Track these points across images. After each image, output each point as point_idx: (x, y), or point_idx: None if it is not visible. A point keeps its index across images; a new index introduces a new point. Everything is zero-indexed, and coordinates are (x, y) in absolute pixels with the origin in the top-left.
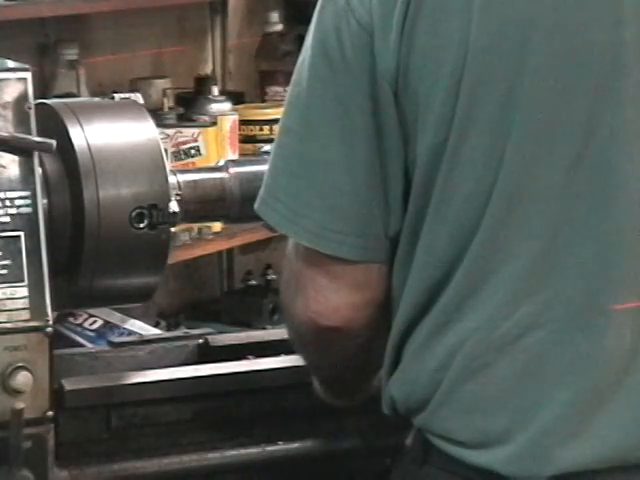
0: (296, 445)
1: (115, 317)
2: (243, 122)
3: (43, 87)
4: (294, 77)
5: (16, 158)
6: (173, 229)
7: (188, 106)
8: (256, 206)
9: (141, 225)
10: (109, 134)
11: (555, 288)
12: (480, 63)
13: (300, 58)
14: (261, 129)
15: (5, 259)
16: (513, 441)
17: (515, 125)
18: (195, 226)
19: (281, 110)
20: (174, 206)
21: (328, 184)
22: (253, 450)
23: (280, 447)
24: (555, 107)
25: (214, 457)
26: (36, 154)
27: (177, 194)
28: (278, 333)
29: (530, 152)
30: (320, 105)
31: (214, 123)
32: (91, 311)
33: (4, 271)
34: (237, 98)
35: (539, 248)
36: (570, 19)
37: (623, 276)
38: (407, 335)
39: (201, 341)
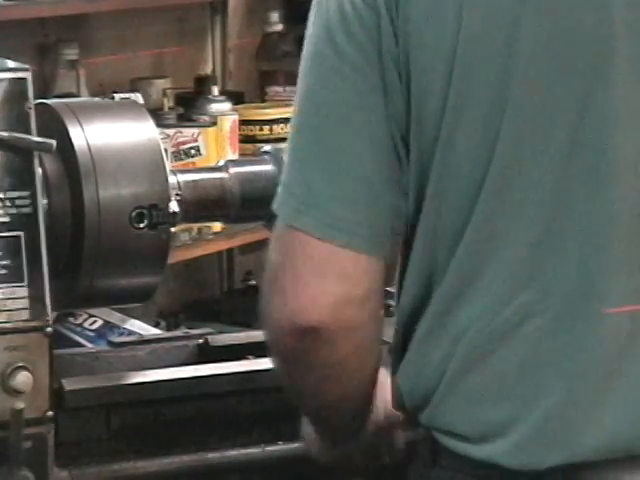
0: (296, 445)
1: (115, 317)
2: (243, 122)
3: (43, 87)
4: (300, 70)
5: (16, 158)
6: (173, 229)
7: (188, 106)
8: (273, 206)
9: (141, 225)
10: (109, 134)
11: (552, 275)
12: (471, 50)
13: (304, 52)
14: (261, 129)
15: (5, 259)
16: (514, 432)
17: (507, 111)
18: (195, 226)
19: (281, 110)
20: (174, 206)
21: (340, 170)
22: (253, 450)
23: (280, 447)
24: (547, 91)
25: (214, 457)
26: (36, 154)
27: (177, 194)
28: None
29: (524, 137)
30: (331, 92)
31: (214, 123)
32: (91, 311)
33: (4, 271)
34: (237, 98)
35: (535, 234)
36: (559, 2)
37: (619, 259)
38: (411, 326)
39: (201, 341)
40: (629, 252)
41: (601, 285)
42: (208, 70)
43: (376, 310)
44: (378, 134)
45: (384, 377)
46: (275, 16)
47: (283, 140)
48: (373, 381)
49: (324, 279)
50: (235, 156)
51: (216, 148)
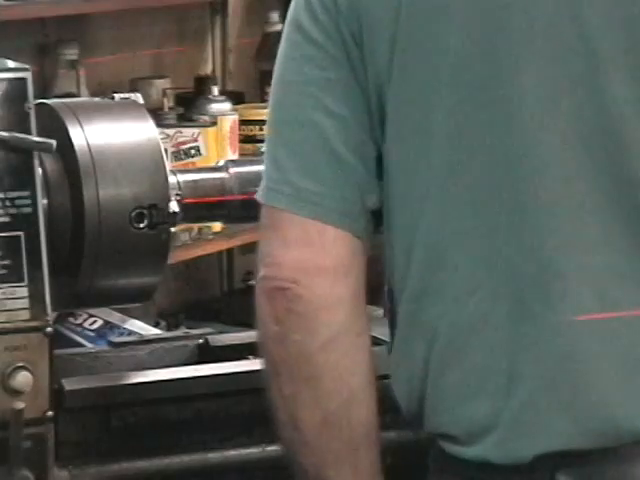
0: None
1: (115, 317)
2: (243, 122)
3: (43, 87)
4: (276, 59)
5: (16, 158)
6: (173, 229)
7: (188, 106)
8: (257, 195)
9: (141, 225)
10: (109, 134)
11: (512, 259)
12: (408, 30)
13: (278, 53)
14: (261, 129)
15: (5, 259)
16: (496, 425)
17: (442, 92)
18: (195, 226)
19: None
20: (174, 206)
21: (302, 143)
22: (253, 450)
23: (280, 447)
24: (474, 71)
25: (214, 457)
26: (36, 154)
27: (177, 194)
28: None
29: (461, 117)
30: (295, 71)
31: (214, 123)
32: (91, 311)
33: (4, 271)
34: (237, 98)
35: (490, 217)
36: None
37: (570, 233)
38: (395, 328)
39: (201, 341)
40: (573, 220)
41: (557, 261)
42: (208, 70)
43: (354, 294)
44: (343, 108)
45: None
46: (275, 16)
47: None
48: (363, 418)
49: (289, 247)
50: (235, 156)
51: (216, 148)
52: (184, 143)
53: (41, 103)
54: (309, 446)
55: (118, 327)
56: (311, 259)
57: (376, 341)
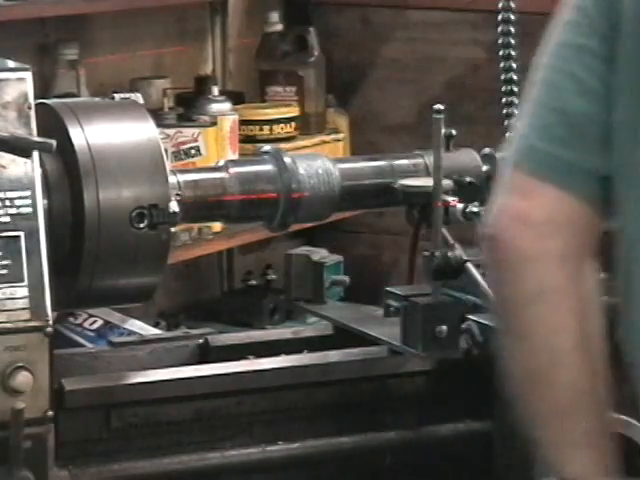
0: (296, 445)
1: (115, 317)
2: (243, 122)
3: (43, 87)
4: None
5: (16, 158)
6: (173, 229)
7: (188, 106)
8: None
9: (141, 225)
10: (109, 134)
11: None
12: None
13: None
14: (261, 129)
15: (5, 259)
16: None
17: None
18: (195, 226)
19: (281, 110)
20: (174, 206)
21: (543, 102)
22: (253, 450)
23: (280, 447)
24: None
25: (214, 457)
26: (36, 154)
27: (177, 194)
28: (278, 333)
29: None
30: (559, 35)
31: (214, 123)
32: (91, 311)
33: (4, 271)
34: (237, 98)
35: None
36: None
37: None
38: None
39: (201, 341)
40: None
41: None
42: (208, 70)
43: (564, 254)
44: (589, 76)
45: None
46: (275, 16)
47: (283, 140)
48: (569, 383)
49: (509, 196)
50: (235, 156)
51: (216, 148)
52: (184, 143)
53: (41, 103)
54: (519, 400)
55: (118, 327)
56: (524, 211)
57: (375, 341)
